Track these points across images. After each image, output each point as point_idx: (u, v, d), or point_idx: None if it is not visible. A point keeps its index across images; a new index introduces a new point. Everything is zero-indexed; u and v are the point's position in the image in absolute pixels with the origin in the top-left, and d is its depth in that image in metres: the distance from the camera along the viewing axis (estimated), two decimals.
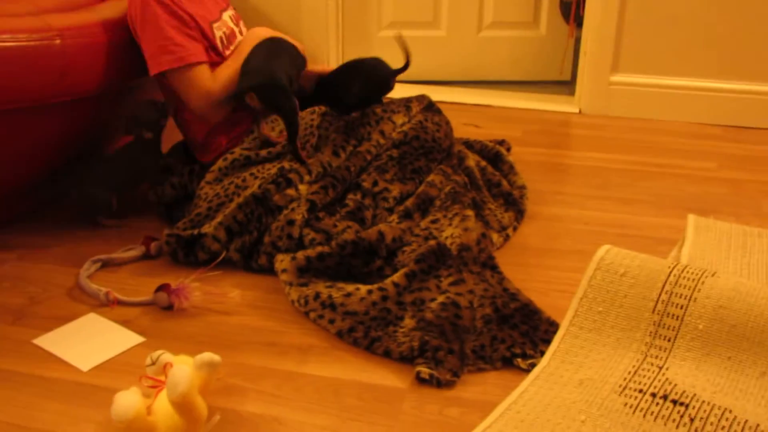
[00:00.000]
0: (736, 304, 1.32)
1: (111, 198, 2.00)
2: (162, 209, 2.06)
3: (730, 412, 1.20)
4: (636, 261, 1.42)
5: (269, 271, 1.76)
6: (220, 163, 1.93)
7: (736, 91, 2.84)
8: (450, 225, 1.77)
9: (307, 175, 1.86)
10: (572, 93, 3.12)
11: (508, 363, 1.44)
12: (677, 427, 1.19)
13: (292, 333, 1.56)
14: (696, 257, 1.67)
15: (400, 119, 2.03)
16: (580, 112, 3.01)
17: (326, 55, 3.28)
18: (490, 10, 3.32)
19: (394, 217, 1.82)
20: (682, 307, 1.34)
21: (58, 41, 1.77)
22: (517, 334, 1.49)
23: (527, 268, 1.79)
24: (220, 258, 1.76)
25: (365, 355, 1.48)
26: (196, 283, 1.67)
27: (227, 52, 2.03)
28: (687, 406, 1.22)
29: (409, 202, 1.85)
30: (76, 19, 1.86)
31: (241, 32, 2.14)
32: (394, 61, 2.13)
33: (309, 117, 1.99)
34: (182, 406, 1.18)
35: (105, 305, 1.66)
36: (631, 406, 1.24)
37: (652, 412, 1.22)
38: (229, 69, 1.96)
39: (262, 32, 2.06)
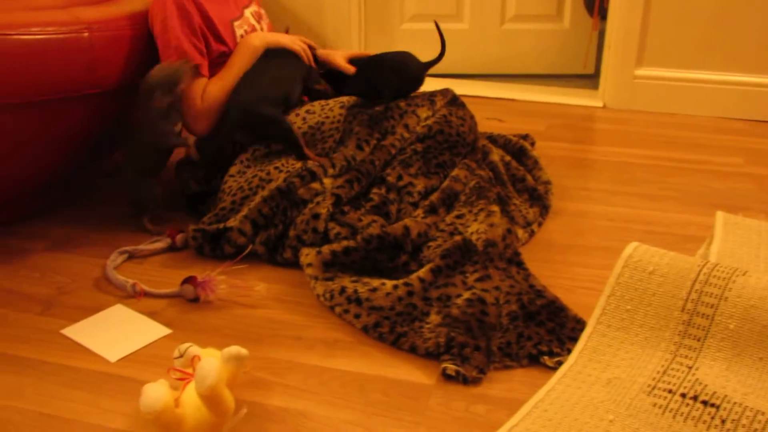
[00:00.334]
0: None
1: (153, 188, 1.98)
2: (186, 202, 2.07)
3: (763, 414, 1.19)
4: (665, 259, 1.41)
5: (294, 264, 1.76)
6: (242, 156, 1.94)
7: (762, 84, 2.81)
8: (475, 220, 1.77)
9: (331, 169, 1.86)
10: (596, 87, 3.10)
11: (534, 360, 1.44)
12: (708, 428, 1.18)
13: (317, 327, 1.56)
14: (725, 255, 1.66)
15: (424, 113, 2.02)
16: (604, 106, 2.99)
17: (348, 48, 3.27)
18: (513, 3, 3.31)
19: (420, 212, 1.82)
20: (712, 307, 1.33)
21: (86, 34, 1.78)
22: (543, 331, 1.48)
23: (553, 264, 1.78)
24: (246, 251, 1.76)
25: (391, 350, 1.48)
26: (223, 276, 1.67)
27: None
28: (718, 407, 1.21)
29: (434, 197, 1.85)
30: (104, 13, 1.87)
31: (262, 29, 2.13)
32: (418, 55, 2.13)
33: (338, 111, 1.99)
34: (210, 399, 1.18)
35: (132, 296, 1.67)
36: (660, 407, 1.23)
37: (682, 413, 1.21)
38: (215, 86, 1.97)
39: (254, 41, 2.02)
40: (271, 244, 1.79)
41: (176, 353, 1.32)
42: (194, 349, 1.31)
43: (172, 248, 1.86)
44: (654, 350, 1.35)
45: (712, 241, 1.76)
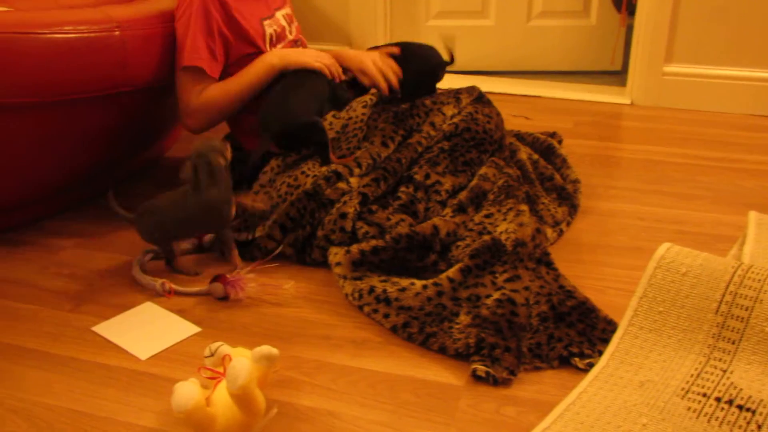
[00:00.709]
0: None
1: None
2: None
3: None
4: (698, 260, 1.39)
5: (323, 264, 1.76)
6: (272, 163, 1.93)
7: None
8: (504, 220, 1.76)
9: (357, 169, 1.85)
10: (624, 84, 3.08)
11: (564, 362, 1.43)
12: None
13: (346, 326, 1.56)
14: (758, 256, 1.64)
15: (450, 111, 2.01)
16: (632, 103, 2.97)
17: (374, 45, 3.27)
18: None
19: (448, 211, 1.81)
20: (747, 309, 1.31)
21: (117, 33, 1.79)
22: (574, 332, 1.47)
23: (582, 264, 1.76)
24: (276, 252, 1.76)
25: (420, 350, 1.48)
26: (252, 274, 1.67)
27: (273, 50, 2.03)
28: (754, 412, 1.19)
29: (462, 196, 1.84)
30: (135, 11, 1.88)
31: (291, 32, 2.13)
32: (444, 49, 2.13)
33: (361, 111, 1.99)
34: (242, 398, 1.18)
35: (161, 295, 1.68)
36: (694, 411, 1.22)
37: (717, 418, 1.20)
38: (217, 88, 1.96)
39: (273, 59, 1.98)
40: (300, 245, 1.79)
41: (207, 352, 1.32)
42: (225, 348, 1.32)
43: (199, 249, 1.86)
44: (687, 353, 1.33)
45: (744, 241, 1.74)
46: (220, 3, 1.92)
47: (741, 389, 1.24)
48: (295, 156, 1.94)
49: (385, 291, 1.57)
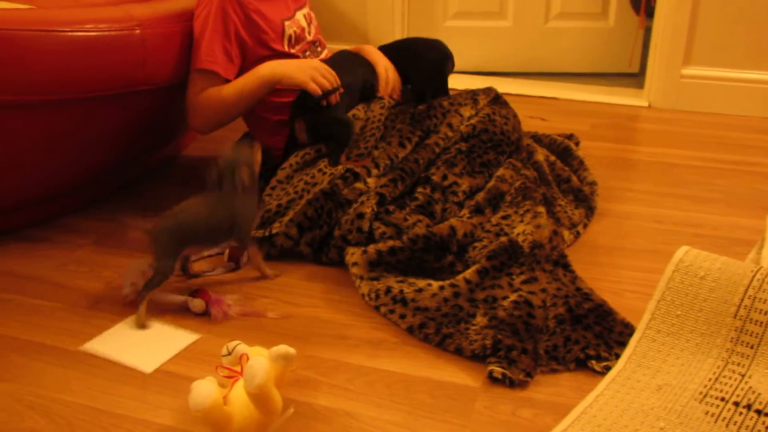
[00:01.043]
0: None
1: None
2: None
3: None
4: (717, 264, 1.39)
5: (339, 263, 1.76)
6: (291, 159, 1.94)
7: None
8: (521, 221, 1.76)
9: (375, 169, 1.85)
10: (641, 86, 3.06)
11: (581, 365, 1.42)
12: None
13: (362, 327, 1.56)
14: None
15: (467, 112, 2.01)
16: (649, 105, 2.96)
17: None
18: (558, 1, 3.27)
19: (465, 212, 1.81)
20: (766, 313, 1.30)
21: (137, 31, 1.80)
22: (590, 335, 1.47)
23: (599, 267, 1.76)
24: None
25: (436, 351, 1.48)
26: (235, 296, 1.65)
27: (294, 50, 2.03)
28: None
29: (479, 197, 1.84)
30: (155, 10, 1.89)
31: (310, 32, 2.13)
32: (461, 52, 2.12)
33: (378, 111, 1.99)
34: (259, 397, 1.19)
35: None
36: (712, 415, 1.22)
37: (735, 422, 1.19)
38: (215, 90, 1.93)
39: (262, 70, 1.93)
40: (317, 244, 1.79)
41: (224, 351, 1.33)
42: (242, 347, 1.32)
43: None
44: (705, 357, 1.33)
45: (762, 245, 1.72)
46: (240, 4, 1.91)
47: (759, 394, 1.23)
48: (314, 154, 1.94)
49: (401, 291, 1.57)
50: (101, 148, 1.97)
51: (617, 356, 1.40)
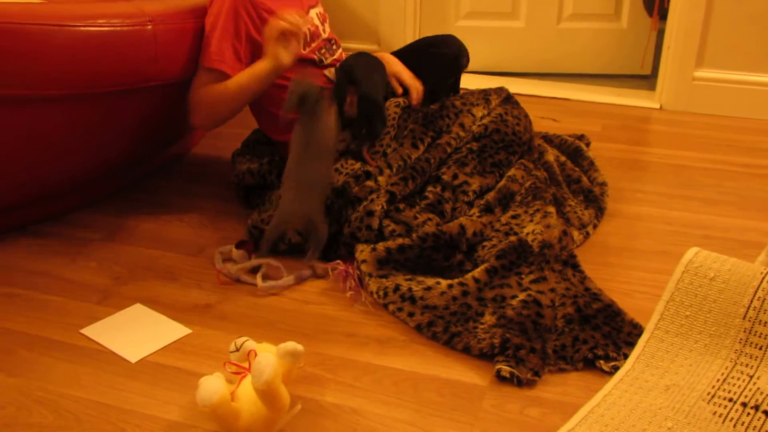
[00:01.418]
0: None
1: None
2: (241, 193, 2.08)
3: None
4: (726, 265, 1.38)
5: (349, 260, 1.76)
6: None
7: None
8: (531, 221, 1.76)
9: (387, 169, 1.85)
10: (653, 88, 3.05)
11: (589, 364, 1.42)
12: None
13: (370, 324, 1.57)
14: None
15: (479, 112, 2.01)
16: (660, 107, 2.94)
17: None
18: (570, 2, 3.26)
19: (475, 211, 1.81)
20: None
21: (149, 26, 1.80)
22: (599, 335, 1.47)
23: (608, 267, 1.76)
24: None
25: (444, 350, 1.48)
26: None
27: (307, 50, 2.03)
28: None
29: (490, 196, 1.84)
30: (167, 5, 1.89)
31: (324, 31, 2.13)
32: (472, 52, 2.12)
33: (393, 110, 1.99)
34: (266, 394, 1.19)
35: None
36: (720, 415, 1.21)
37: (743, 423, 1.19)
38: (219, 86, 1.92)
39: (265, 63, 1.90)
40: (326, 243, 1.79)
41: (232, 347, 1.33)
42: (250, 344, 1.32)
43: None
44: (714, 358, 1.32)
45: None
46: (252, 4, 1.91)
47: (767, 394, 1.23)
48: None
49: (410, 289, 1.57)
50: (112, 143, 1.98)
51: (626, 356, 1.40)
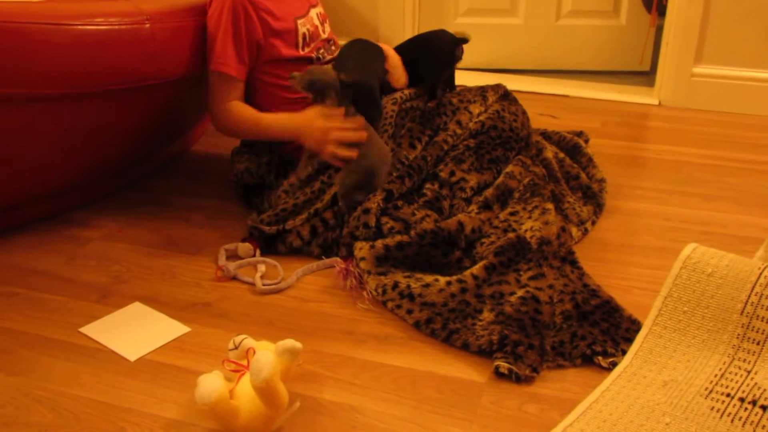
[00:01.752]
0: None
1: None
2: (240, 192, 2.08)
3: None
4: (724, 261, 1.38)
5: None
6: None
7: None
8: (530, 218, 1.76)
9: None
10: (652, 84, 3.06)
11: (587, 360, 1.42)
12: None
13: (369, 322, 1.57)
14: None
15: (476, 109, 2.01)
16: (659, 104, 2.95)
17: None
18: None
19: (473, 208, 1.81)
20: None
21: (147, 25, 1.80)
22: (597, 331, 1.47)
23: (607, 263, 1.76)
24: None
25: (443, 347, 1.48)
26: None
27: (307, 50, 2.03)
28: None
29: (488, 193, 1.84)
30: (165, 4, 1.89)
31: (324, 31, 2.13)
32: (471, 49, 2.12)
33: (390, 108, 1.99)
34: (265, 391, 1.19)
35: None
36: (718, 410, 1.21)
37: (740, 417, 1.19)
38: (242, 113, 1.95)
39: (287, 129, 1.95)
40: (328, 245, 1.80)
41: (231, 345, 1.33)
42: (249, 342, 1.32)
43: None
44: (711, 353, 1.33)
45: None
46: (252, 6, 1.91)
47: (765, 390, 1.22)
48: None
49: (409, 287, 1.57)
50: (111, 142, 1.98)
51: (624, 352, 1.40)
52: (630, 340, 1.42)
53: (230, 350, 1.33)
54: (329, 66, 1.92)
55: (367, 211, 1.76)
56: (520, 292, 1.51)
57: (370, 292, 1.62)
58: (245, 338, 1.33)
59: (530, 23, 3.33)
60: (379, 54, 2.03)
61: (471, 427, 1.27)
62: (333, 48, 2.16)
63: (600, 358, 1.41)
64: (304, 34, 2.02)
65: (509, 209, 1.81)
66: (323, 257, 1.79)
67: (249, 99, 2.01)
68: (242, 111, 1.96)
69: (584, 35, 3.32)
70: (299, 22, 2.01)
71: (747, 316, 1.32)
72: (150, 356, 1.46)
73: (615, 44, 3.32)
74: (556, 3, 3.28)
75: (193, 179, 2.27)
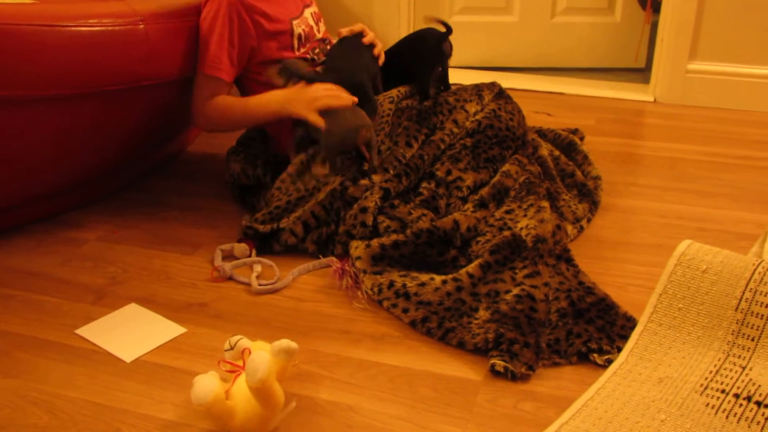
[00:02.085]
0: None
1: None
2: (236, 192, 2.08)
3: None
4: (719, 257, 1.38)
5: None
6: (303, 156, 1.93)
7: None
8: (525, 216, 1.76)
9: (383, 173, 1.85)
10: (647, 81, 3.06)
11: (583, 358, 1.43)
12: (762, 429, 1.16)
13: (365, 321, 1.57)
14: None
15: (472, 108, 2.01)
16: (654, 100, 2.95)
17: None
18: None
19: (469, 206, 1.81)
20: (767, 306, 1.30)
21: (141, 26, 1.80)
22: (593, 328, 1.47)
23: (602, 261, 1.76)
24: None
25: (438, 345, 1.48)
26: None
27: (302, 50, 2.03)
28: None
29: (484, 192, 1.84)
30: (158, 4, 1.89)
31: (319, 31, 2.13)
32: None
33: (387, 106, 1.99)
34: (261, 392, 1.19)
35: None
36: (713, 407, 1.22)
37: (735, 414, 1.20)
38: (237, 104, 1.96)
39: (271, 104, 1.94)
40: (322, 242, 1.80)
41: (227, 345, 1.33)
42: (244, 342, 1.32)
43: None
44: (706, 349, 1.33)
45: (765, 239, 1.72)
46: (246, 9, 1.91)
47: (760, 386, 1.23)
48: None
49: (404, 285, 1.57)
50: (106, 144, 1.98)
51: (619, 349, 1.40)
52: (625, 338, 1.42)
53: (226, 351, 1.33)
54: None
55: (364, 210, 1.76)
56: (516, 290, 1.52)
57: (366, 291, 1.63)
58: (241, 339, 1.33)
59: (525, 21, 3.33)
60: (368, 49, 2.03)
61: (467, 425, 1.27)
62: (328, 47, 2.16)
63: (595, 355, 1.41)
64: (299, 34, 2.02)
65: (505, 207, 1.81)
66: (320, 256, 1.79)
67: None
68: (227, 101, 1.96)
69: (579, 32, 3.32)
70: (294, 23, 2.01)
71: (741, 312, 1.32)
72: (146, 357, 1.46)
73: (610, 41, 3.32)
74: (551, 0, 3.28)
75: (188, 179, 2.27)
